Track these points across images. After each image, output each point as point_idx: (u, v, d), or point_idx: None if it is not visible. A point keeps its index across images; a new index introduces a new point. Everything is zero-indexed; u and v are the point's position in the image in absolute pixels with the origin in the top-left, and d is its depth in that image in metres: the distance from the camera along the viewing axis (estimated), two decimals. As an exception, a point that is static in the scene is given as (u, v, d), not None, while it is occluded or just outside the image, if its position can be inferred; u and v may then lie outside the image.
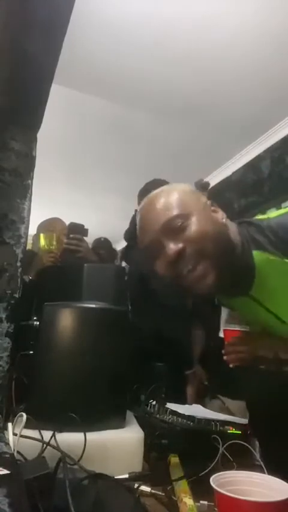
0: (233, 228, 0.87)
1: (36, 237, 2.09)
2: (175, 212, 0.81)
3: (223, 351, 1.08)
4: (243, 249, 0.84)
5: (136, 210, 1.89)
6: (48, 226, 2.06)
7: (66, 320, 0.89)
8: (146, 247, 0.84)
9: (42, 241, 2.00)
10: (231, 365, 1.06)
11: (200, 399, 1.51)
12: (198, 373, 1.76)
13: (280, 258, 0.82)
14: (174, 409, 1.14)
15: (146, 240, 0.84)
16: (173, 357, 1.62)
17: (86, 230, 1.79)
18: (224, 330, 1.23)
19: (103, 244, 2.59)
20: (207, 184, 2.07)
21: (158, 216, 0.82)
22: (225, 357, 1.04)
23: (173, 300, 1.69)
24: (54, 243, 1.97)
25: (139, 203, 1.99)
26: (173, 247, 0.79)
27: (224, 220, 0.85)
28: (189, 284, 0.80)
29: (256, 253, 0.84)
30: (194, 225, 0.80)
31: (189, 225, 0.80)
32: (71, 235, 1.75)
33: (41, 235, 1.99)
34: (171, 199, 0.84)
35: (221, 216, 0.86)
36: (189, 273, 0.79)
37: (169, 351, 1.61)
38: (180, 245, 0.78)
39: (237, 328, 1.05)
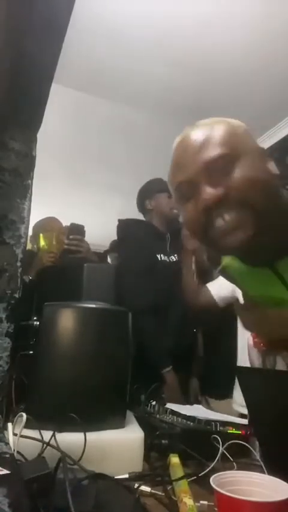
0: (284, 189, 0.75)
1: (35, 238, 2.09)
2: (221, 151, 0.69)
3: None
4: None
5: (119, 220, 1.91)
6: (46, 226, 2.06)
7: (66, 319, 0.89)
8: (178, 186, 0.73)
9: (42, 241, 2.00)
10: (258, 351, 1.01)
11: (177, 399, 1.49)
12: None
13: None
14: (174, 409, 1.14)
15: (178, 177, 0.73)
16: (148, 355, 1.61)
17: (85, 231, 1.80)
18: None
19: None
20: None
21: (198, 155, 0.70)
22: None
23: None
24: (54, 242, 1.97)
25: (139, 202, 2.00)
26: (211, 191, 0.68)
27: (275, 171, 0.74)
28: (219, 235, 0.69)
29: None
30: (240, 170, 0.68)
31: (235, 167, 0.68)
32: (71, 236, 1.75)
33: (41, 235, 1.99)
34: (219, 135, 0.71)
35: (272, 167, 0.74)
36: (222, 225, 0.68)
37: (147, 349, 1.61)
38: (221, 190, 0.67)
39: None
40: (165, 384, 1.60)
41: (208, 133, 0.71)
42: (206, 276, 1.70)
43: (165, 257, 1.82)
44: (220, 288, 1.61)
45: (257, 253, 0.75)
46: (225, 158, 0.69)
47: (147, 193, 1.95)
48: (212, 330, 1.85)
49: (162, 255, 1.81)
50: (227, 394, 1.60)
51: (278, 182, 0.73)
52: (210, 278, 1.71)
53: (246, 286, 0.91)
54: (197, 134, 0.72)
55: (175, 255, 1.82)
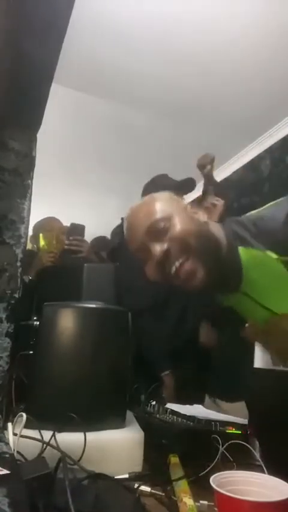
0: (216, 227, 0.91)
1: (35, 238, 2.08)
2: (157, 216, 0.87)
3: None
4: (229, 245, 0.88)
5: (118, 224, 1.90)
6: (46, 226, 2.06)
7: (66, 319, 0.89)
8: (135, 253, 0.90)
9: (42, 241, 2.00)
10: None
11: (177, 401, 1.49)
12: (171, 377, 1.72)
13: (262, 251, 0.84)
14: (174, 409, 1.14)
15: (134, 246, 0.90)
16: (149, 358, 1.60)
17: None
18: None
19: (104, 243, 2.59)
20: (208, 158, 2.05)
21: (142, 222, 0.88)
22: None
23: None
24: (54, 242, 1.97)
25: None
26: (158, 248, 0.84)
27: (205, 219, 0.91)
28: (180, 282, 0.84)
29: (242, 250, 0.87)
30: (175, 226, 0.85)
31: (171, 226, 0.85)
32: (71, 237, 1.75)
33: (41, 235, 1.99)
34: (153, 206, 0.89)
35: (201, 216, 0.91)
36: (177, 271, 0.83)
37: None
38: (165, 245, 0.84)
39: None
40: (163, 385, 1.60)
41: (147, 207, 0.90)
42: None
43: None
44: None
45: (218, 287, 0.91)
46: (163, 220, 0.86)
47: (153, 186, 1.96)
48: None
49: None
50: (240, 396, 1.58)
51: (207, 226, 0.89)
52: None
53: (241, 312, 0.99)
54: (136, 211, 0.92)
55: None
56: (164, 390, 1.58)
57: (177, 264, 0.83)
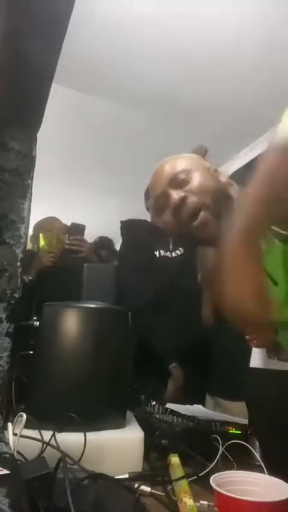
0: (235, 190, 0.98)
1: (35, 237, 2.08)
2: (179, 168, 0.96)
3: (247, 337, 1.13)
4: None
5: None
6: (47, 225, 2.06)
7: (66, 319, 0.89)
8: (155, 200, 1.00)
9: (42, 241, 2.00)
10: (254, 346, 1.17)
11: (180, 396, 1.48)
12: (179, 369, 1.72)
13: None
14: (174, 409, 1.14)
15: (155, 193, 1.00)
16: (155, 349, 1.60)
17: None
18: None
19: (105, 243, 2.59)
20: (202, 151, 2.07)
21: (165, 173, 0.97)
22: (248, 337, 1.11)
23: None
24: (54, 242, 1.97)
25: (146, 198, 2.01)
26: (176, 195, 0.93)
27: (225, 180, 1.00)
28: (192, 230, 0.93)
29: None
30: (194, 179, 0.94)
31: (191, 179, 0.94)
32: (72, 237, 1.75)
33: (41, 235, 1.99)
34: (177, 160, 1.00)
35: (223, 177, 1.00)
36: (191, 220, 0.92)
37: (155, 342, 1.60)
38: (183, 193, 0.93)
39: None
40: (171, 378, 1.60)
41: (170, 161, 1.00)
42: None
43: (167, 253, 1.81)
44: None
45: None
46: (183, 173, 0.96)
47: (146, 194, 1.96)
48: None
49: (162, 251, 1.80)
50: (240, 395, 1.57)
51: (227, 186, 0.98)
52: None
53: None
54: (163, 164, 1.01)
55: (180, 250, 1.81)
56: (171, 383, 1.58)
57: (190, 211, 0.92)
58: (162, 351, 1.63)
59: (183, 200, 0.92)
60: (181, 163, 0.98)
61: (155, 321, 1.64)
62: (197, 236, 0.94)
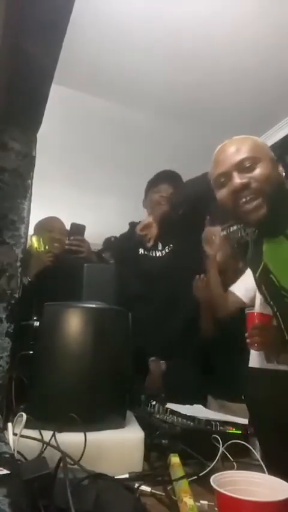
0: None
1: (35, 238, 2.07)
2: (248, 154, 1.00)
3: (246, 335, 1.20)
4: None
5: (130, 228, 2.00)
6: (47, 225, 2.05)
7: (66, 319, 0.88)
8: (217, 176, 1.03)
9: (42, 242, 1.99)
10: (253, 349, 1.22)
11: (156, 389, 1.48)
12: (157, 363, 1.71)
13: None
14: (174, 409, 1.14)
15: (218, 170, 1.03)
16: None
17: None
18: (249, 313, 1.29)
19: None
20: None
21: (233, 155, 1.01)
22: (248, 341, 1.17)
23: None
24: (54, 242, 1.96)
25: (147, 192, 2.02)
26: (239, 179, 0.98)
27: (284, 174, 1.06)
28: (243, 212, 0.99)
29: None
30: (260, 168, 0.99)
31: (256, 167, 0.99)
32: (72, 237, 1.75)
33: (33, 238, 1.98)
34: (247, 145, 1.03)
35: (282, 170, 1.05)
36: (245, 204, 0.98)
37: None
38: (246, 180, 0.98)
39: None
40: (149, 373, 1.61)
41: (239, 144, 1.03)
42: (228, 281, 1.80)
43: (146, 252, 1.91)
44: (246, 286, 1.67)
45: (271, 224, 1.02)
46: (250, 160, 1.00)
47: (156, 181, 2.00)
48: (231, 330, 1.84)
49: (142, 250, 1.90)
50: (240, 396, 1.57)
51: (284, 180, 1.04)
52: (231, 282, 1.78)
53: (272, 264, 1.08)
54: (232, 144, 1.05)
55: (161, 250, 1.89)
56: (149, 378, 1.58)
57: (248, 198, 0.98)
58: (141, 343, 1.64)
59: (245, 186, 0.97)
60: (250, 148, 1.01)
61: (140, 312, 1.65)
62: (245, 218, 1.01)
